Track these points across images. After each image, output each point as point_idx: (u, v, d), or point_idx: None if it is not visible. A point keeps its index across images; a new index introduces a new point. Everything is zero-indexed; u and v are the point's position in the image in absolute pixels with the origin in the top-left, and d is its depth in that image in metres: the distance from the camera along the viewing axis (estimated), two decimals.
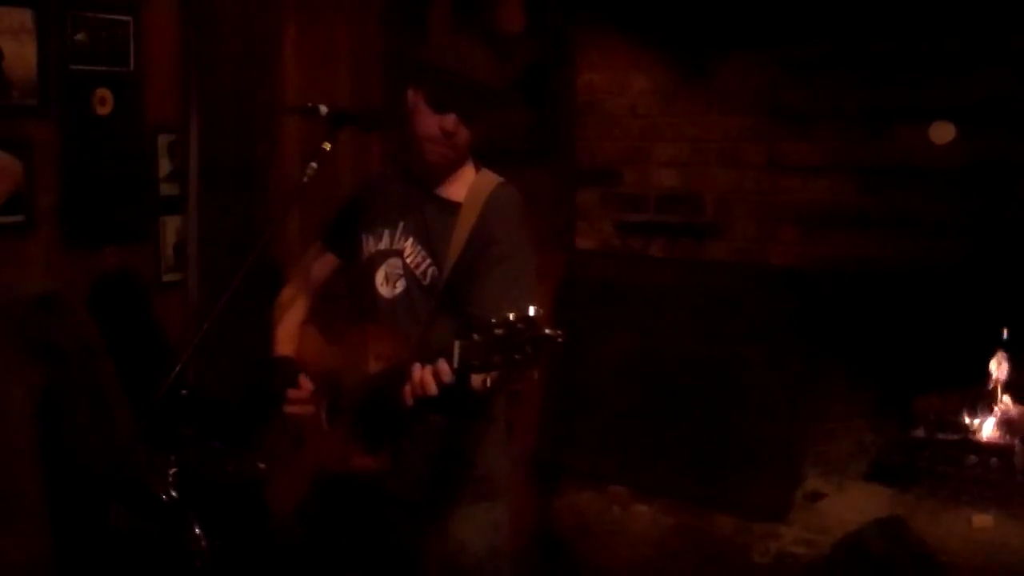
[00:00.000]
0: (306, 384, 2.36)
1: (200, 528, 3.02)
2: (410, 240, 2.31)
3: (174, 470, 3.12)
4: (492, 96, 2.23)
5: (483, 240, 2.22)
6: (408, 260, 2.30)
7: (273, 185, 4.08)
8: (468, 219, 2.24)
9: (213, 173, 3.86)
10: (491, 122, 2.29)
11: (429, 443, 2.30)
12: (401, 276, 2.31)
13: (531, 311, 1.79)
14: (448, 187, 2.32)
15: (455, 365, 1.92)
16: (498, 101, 2.26)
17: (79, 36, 3.47)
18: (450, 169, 2.30)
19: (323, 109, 2.28)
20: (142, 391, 3.22)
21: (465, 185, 2.31)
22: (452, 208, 2.28)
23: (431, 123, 2.21)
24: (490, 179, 2.33)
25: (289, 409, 2.35)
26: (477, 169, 2.35)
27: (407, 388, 2.00)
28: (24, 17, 3.32)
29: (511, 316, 1.80)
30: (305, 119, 2.36)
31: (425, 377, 1.97)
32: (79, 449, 3.12)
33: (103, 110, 3.58)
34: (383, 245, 2.35)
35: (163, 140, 3.78)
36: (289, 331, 2.50)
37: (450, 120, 2.20)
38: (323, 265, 2.53)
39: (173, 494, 3.07)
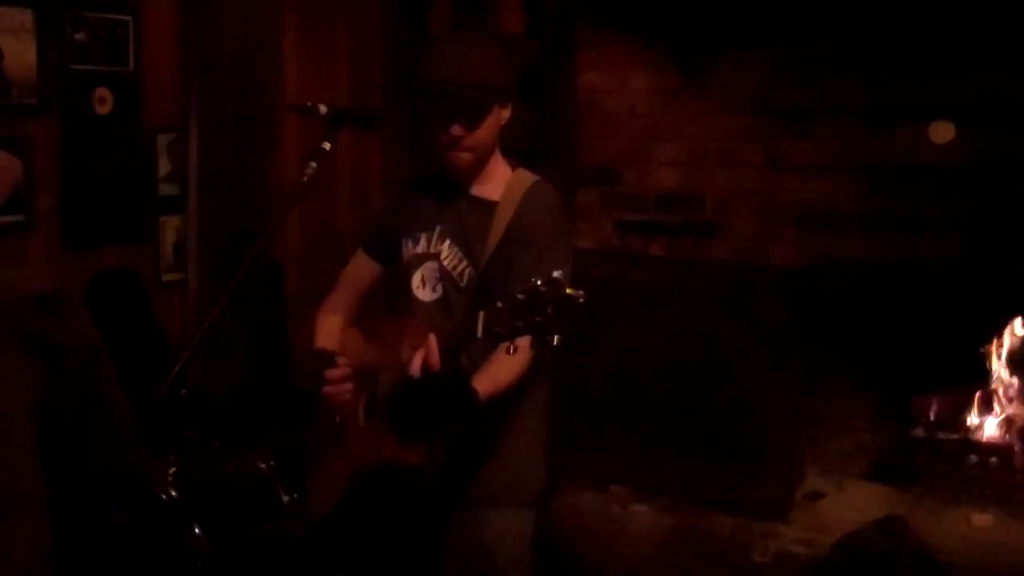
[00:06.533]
0: (343, 364, 2.31)
1: (200, 528, 3.02)
2: (447, 242, 2.29)
3: (174, 470, 3.12)
4: (496, 94, 2.20)
5: (519, 238, 2.21)
6: (445, 262, 2.29)
7: (273, 185, 4.08)
8: (504, 217, 2.23)
9: (213, 173, 3.86)
10: (513, 116, 2.26)
11: (456, 440, 2.25)
12: (439, 280, 2.29)
13: (554, 274, 1.79)
14: (483, 186, 2.30)
15: (479, 335, 1.91)
16: (507, 95, 2.23)
17: (79, 36, 3.48)
18: (478, 169, 2.28)
19: (323, 109, 2.27)
20: (142, 391, 3.22)
21: (501, 183, 2.29)
22: (488, 207, 2.26)
23: (439, 131, 2.21)
24: (526, 177, 2.31)
25: (326, 390, 2.29)
26: (513, 168, 2.33)
27: (416, 358, 1.98)
28: (24, 17, 3.32)
29: (534, 281, 1.79)
30: (305, 119, 2.35)
31: (430, 346, 1.96)
32: (79, 449, 3.12)
33: (103, 110, 3.58)
34: (420, 249, 2.33)
35: (163, 140, 3.78)
36: (329, 330, 2.46)
37: (455, 127, 2.19)
38: (366, 271, 2.50)
39: (173, 494, 3.07)
